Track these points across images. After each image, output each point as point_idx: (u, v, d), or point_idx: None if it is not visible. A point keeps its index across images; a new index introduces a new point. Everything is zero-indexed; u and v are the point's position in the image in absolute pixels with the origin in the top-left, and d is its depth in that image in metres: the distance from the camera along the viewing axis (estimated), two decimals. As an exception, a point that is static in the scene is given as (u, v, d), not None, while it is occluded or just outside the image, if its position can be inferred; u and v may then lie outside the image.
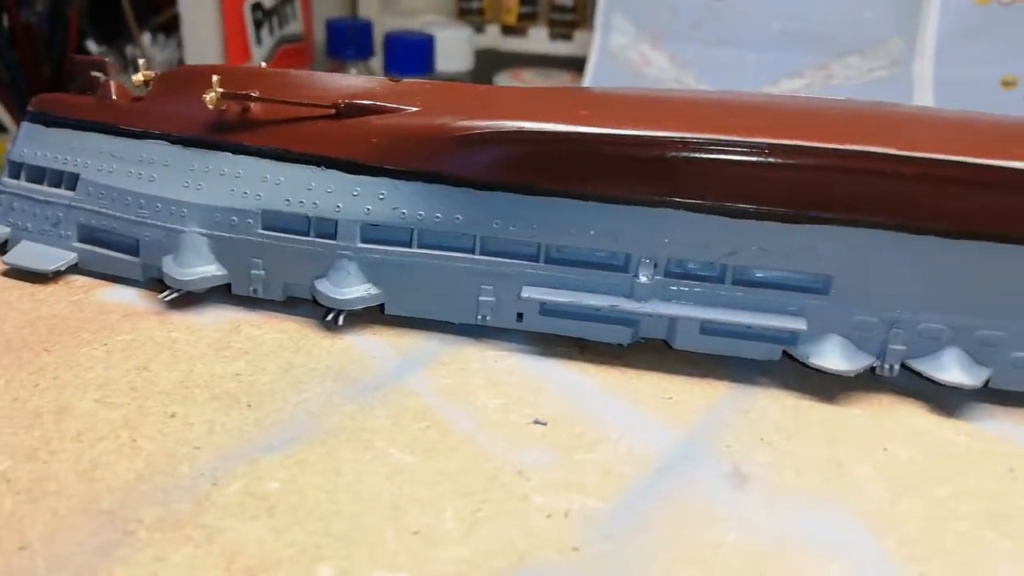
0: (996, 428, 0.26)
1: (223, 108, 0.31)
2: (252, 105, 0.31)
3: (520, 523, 0.21)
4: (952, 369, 0.27)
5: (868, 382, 0.28)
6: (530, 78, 0.65)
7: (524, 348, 0.30)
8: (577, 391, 0.27)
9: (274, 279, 0.31)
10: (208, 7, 0.52)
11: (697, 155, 0.26)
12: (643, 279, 0.28)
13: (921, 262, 0.26)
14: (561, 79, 0.64)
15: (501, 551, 0.20)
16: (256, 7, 0.54)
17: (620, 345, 0.29)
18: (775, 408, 0.27)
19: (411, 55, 0.58)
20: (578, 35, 0.64)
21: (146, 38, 0.55)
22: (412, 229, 0.29)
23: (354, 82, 0.34)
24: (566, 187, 0.28)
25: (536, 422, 0.26)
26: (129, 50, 0.59)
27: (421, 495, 0.22)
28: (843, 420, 0.26)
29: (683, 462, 0.24)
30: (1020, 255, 0.26)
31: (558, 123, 0.27)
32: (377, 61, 0.61)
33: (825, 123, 0.28)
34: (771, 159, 0.26)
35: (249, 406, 0.26)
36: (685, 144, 0.26)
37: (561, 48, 0.66)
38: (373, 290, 0.30)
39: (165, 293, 0.31)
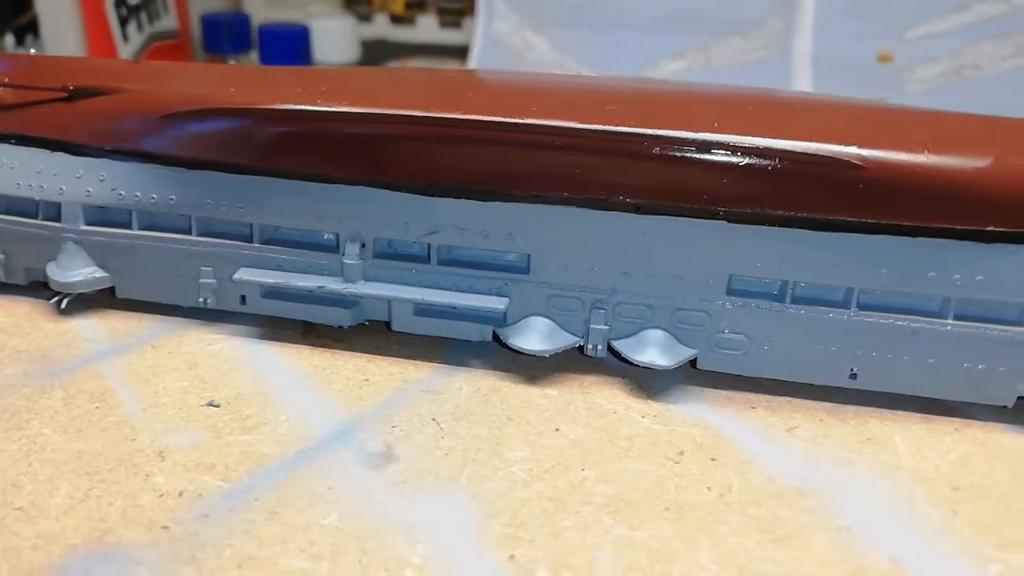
0: (689, 411, 0.25)
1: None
2: (-4, 90, 0.31)
3: (127, 502, 0.21)
4: (648, 349, 0.26)
5: (579, 363, 0.27)
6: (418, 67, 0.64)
7: (248, 331, 0.29)
8: (273, 374, 0.27)
9: (14, 263, 0.31)
10: (66, 5, 0.51)
11: (386, 131, 0.26)
12: (350, 259, 0.27)
13: (614, 240, 0.25)
14: (449, 68, 0.64)
15: (88, 528, 0.20)
16: (120, 3, 0.53)
17: (341, 327, 0.29)
18: (468, 390, 0.26)
19: (285, 47, 0.58)
20: (467, 23, 0.63)
21: (8, 40, 0.55)
22: (131, 211, 0.29)
23: (99, 65, 0.33)
24: (269, 165, 0.27)
25: (210, 404, 0.25)
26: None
27: (45, 473, 0.22)
28: (532, 401, 0.25)
29: (334, 442, 0.23)
30: (711, 230, 0.25)
31: (266, 101, 0.27)
32: (256, 55, 0.60)
33: (533, 98, 0.27)
34: (456, 134, 0.25)
35: (-70, 387, 0.26)
36: (372, 119, 0.26)
37: (451, 36, 0.65)
38: (99, 273, 0.30)
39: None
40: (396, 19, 0.66)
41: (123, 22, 0.54)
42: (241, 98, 0.27)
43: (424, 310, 0.28)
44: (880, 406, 0.25)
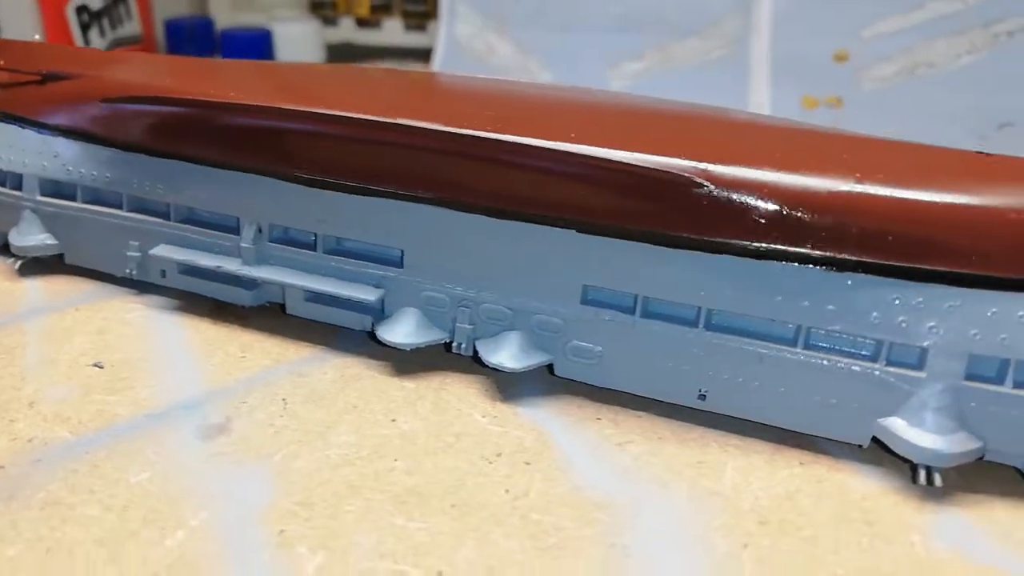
0: (533, 416, 0.25)
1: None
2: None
3: (-21, 443, 0.23)
4: (501, 351, 0.26)
5: (449, 360, 0.28)
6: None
7: (166, 304, 0.31)
8: (166, 344, 0.29)
9: (-11, 227, 0.35)
10: (26, 11, 0.52)
11: (274, 124, 0.27)
12: (246, 243, 0.29)
13: (476, 241, 0.26)
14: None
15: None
16: (81, 9, 0.54)
17: (245, 307, 0.30)
18: (332, 375, 0.27)
19: (247, 51, 0.59)
20: (432, 26, 0.64)
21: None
22: (77, 185, 0.32)
23: (72, 52, 0.37)
24: (179, 150, 0.29)
25: (95, 365, 0.27)
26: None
27: (-69, 411, 0.25)
28: (386, 392, 0.26)
29: (182, 411, 0.25)
30: (564, 239, 0.25)
31: (177, 90, 0.29)
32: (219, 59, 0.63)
33: (415, 99, 0.28)
34: (332, 131, 0.26)
35: None
36: (263, 113, 0.27)
37: (416, 39, 0.65)
38: (51, 240, 0.33)
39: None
40: (361, 22, 0.67)
41: (85, 28, 0.55)
42: (158, 87, 0.29)
43: (313, 296, 0.29)
44: (733, 431, 0.25)
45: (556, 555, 0.20)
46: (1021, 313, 0.21)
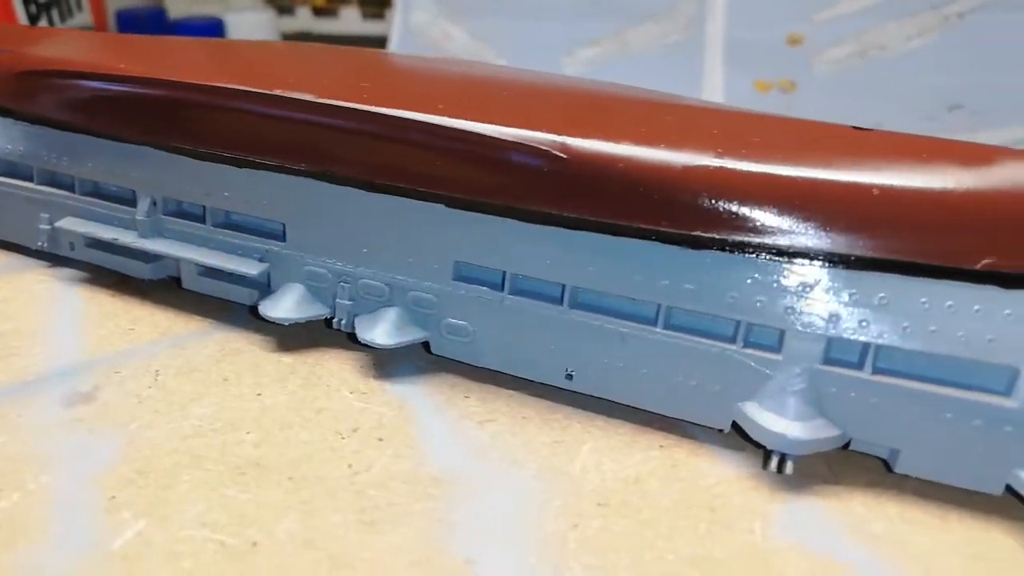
0: (401, 393, 0.25)
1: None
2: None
3: None
4: (376, 328, 0.25)
5: (333, 336, 0.27)
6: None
7: (75, 276, 0.32)
8: (64, 314, 0.29)
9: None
10: None
11: (158, 96, 0.27)
12: (140, 215, 0.29)
13: (353, 215, 0.25)
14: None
15: None
16: (28, 1, 0.54)
17: (147, 280, 0.31)
18: (213, 349, 0.27)
19: None
20: (390, 14, 0.64)
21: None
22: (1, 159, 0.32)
23: (13, 29, 0.37)
24: (81, 122, 0.29)
25: (-11, 332, 0.28)
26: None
27: None
28: (260, 366, 0.26)
29: (56, 378, 0.25)
30: (434, 213, 0.24)
31: (75, 64, 0.29)
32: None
33: (299, 71, 0.28)
34: (209, 101, 0.26)
35: None
36: (148, 85, 0.27)
37: (373, 28, 0.65)
38: (-25, 213, 0.33)
39: None
40: (319, 11, 0.67)
41: (33, 19, 0.55)
42: (71, 61, 0.29)
43: (204, 271, 0.29)
44: (601, 412, 0.24)
45: (378, 529, 0.20)
46: (882, 295, 0.20)
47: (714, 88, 0.46)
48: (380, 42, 0.64)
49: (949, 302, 0.20)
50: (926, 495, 0.21)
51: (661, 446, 0.23)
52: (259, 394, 0.25)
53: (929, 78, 0.42)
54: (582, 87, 0.28)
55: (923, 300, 0.20)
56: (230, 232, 0.28)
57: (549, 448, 0.23)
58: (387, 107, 0.24)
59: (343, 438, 0.23)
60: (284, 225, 0.27)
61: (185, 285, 0.30)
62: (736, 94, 0.46)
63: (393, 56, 0.32)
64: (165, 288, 0.31)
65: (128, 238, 0.29)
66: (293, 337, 0.28)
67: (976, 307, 0.20)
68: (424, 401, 0.25)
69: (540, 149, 0.22)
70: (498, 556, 0.19)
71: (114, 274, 0.31)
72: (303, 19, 0.69)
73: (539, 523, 0.20)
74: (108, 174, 0.29)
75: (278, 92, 0.25)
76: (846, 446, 0.22)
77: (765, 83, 0.47)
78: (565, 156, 0.22)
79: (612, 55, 0.51)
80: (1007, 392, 0.20)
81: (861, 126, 0.23)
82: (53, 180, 0.31)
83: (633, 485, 0.21)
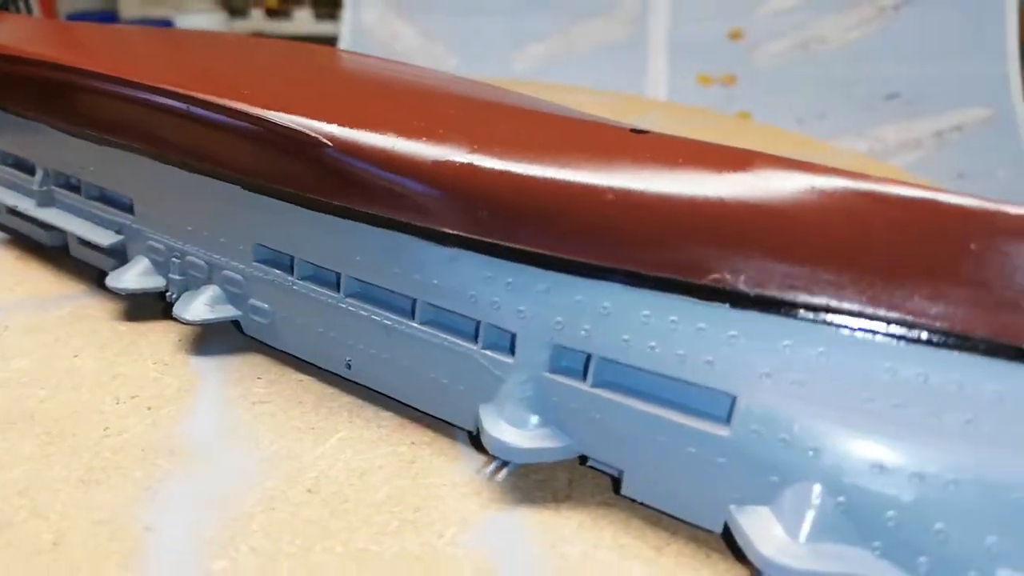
0: (199, 367, 0.26)
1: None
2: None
3: None
4: (190, 305, 0.26)
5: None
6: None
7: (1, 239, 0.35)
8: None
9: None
10: None
11: (44, 76, 0.29)
12: (35, 185, 0.31)
13: (176, 194, 0.27)
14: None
15: None
16: None
17: (48, 246, 0.33)
18: (66, 312, 0.29)
19: None
20: (342, 14, 0.64)
21: None
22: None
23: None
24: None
25: None
26: None
27: None
28: (98, 331, 0.28)
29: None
30: (235, 195, 0.25)
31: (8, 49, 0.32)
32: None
33: (151, 57, 0.29)
34: (75, 82, 0.28)
35: None
36: (39, 66, 0.29)
37: (326, 28, 0.65)
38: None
39: None
40: (272, 13, 0.68)
41: None
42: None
43: (83, 240, 0.31)
44: (378, 404, 0.24)
45: (89, 488, 0.20)
46: (606, 304, 0.19)
47: (657, 82, 0.45)
48: (333, 43, 0.66)
49: (672, 317, 0.19)
50: (656, 523, 0.20)
51: (412, 443, 0.23)
52: (76, 356, 0.26)
53: (867, 69, 0.41)
54: (422, 83, 0.28)
55: (645, 313, 0.19)
56: (98, 205, 0.30)
57: (299, 433, 0.23)
58: (197, 91, 0.25)
59: (118, 403, 0.24)
60: (131, 200, 0.28)
61: (72, 252, 0.32)
62: (679, 88, 0.45)
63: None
64: (68, 255, 0.33)
65: (26, 205, 0.32)
66: (143, 308, 0.29)
67: (700, 325, 0.18)
68: (216, 377, 0.25)
69: (309, 136, 0.22)
70: (178, 527, 0.19)
71: (32, 240, 0.34)
72: (256, 21, 0.71)
73: (238, 502, 0.20)
74: (19, 148, 0.32)
75: (117, 75, 0.26)
76: (586, 461, 0.21)
77: (707, 77, 0.45)
78: (329, 144, 0.22)
79: (559, 51, 0.51)
80: (726, 420, 0.18)
81: (640, 128, 0.22)
82: (-15, 153, 0.35)
83: (357, 477, 0.21)
